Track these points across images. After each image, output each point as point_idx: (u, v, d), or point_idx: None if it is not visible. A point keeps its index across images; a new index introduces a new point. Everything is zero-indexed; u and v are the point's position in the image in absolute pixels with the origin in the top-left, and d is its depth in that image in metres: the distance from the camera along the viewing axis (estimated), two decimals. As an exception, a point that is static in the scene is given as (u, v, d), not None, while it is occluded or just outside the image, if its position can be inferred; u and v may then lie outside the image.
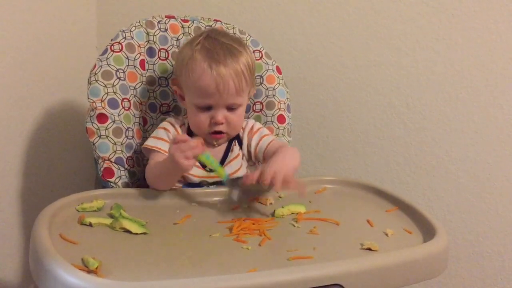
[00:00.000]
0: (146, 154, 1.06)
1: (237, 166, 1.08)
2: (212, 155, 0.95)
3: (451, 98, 1.35)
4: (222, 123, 1.03)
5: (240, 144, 1.10)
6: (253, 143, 1.09)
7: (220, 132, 1.04)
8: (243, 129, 1.11)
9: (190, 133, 1.07)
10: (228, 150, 1.09)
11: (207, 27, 1.20)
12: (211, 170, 1.01)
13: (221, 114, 1.02)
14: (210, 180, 1.05)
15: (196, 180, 1.04)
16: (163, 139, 1.04)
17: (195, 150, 0.90)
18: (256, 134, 1.10)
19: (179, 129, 1.08)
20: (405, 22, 1.34)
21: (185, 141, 0.90)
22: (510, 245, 1.39)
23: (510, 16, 1.27)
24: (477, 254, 1.42)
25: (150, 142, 1.04)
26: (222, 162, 1.07)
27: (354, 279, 0.68)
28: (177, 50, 1.17)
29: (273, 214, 0.93)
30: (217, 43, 1.01)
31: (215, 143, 1.07)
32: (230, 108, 1.03)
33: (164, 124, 1.08)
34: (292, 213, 0.93)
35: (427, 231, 0.84)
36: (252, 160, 1.11)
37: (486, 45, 1.30)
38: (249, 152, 1.10)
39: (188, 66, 1.01)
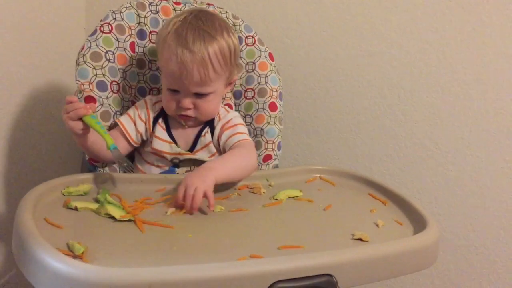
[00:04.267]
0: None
1: (209, 153, 1.07)
2: (103, 127, 0.92)
3: (443, 91, 1.35)
4: (189, 109, 1.02)
5: (212, 132, 1.08)
6: (224, 137, 1.06)
7: (187, 115, 1.03)
8: (220, 118, 1.09)
9: (163, 110, 1.07)
10: (199, 135, 1.07)
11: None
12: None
13: (187, 101, 1.00)
14: (182, 157, 1.05)
15: (168, 156, 1.04)
16: (128, 114, 1.06)
17: (78, 111, 0.88)
18: (230, 129, 1.07)
19: (151, 107, 1.08)
20: (399, 13, 1.33)
21: (71, 102, 0.89)
22: (496, 238, 1.40)
23: (504, 9, 1.26)
24: (464, 247, 1.43)
25: (121, 118, 1.06)
26: (193, 146, 1.06)
27: (344, 269, 0.67)
28: (168, 33, 1.15)
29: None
30: (190, 28, 0.98)
31: (184, 124, 1.06)
32: (198, 94, 1.01)
33: (138, 102, 1.09)
34: (289, 197, 0.93)
35: (418, 223, 0.84)
36: (221, 152, 1.09)
37: (479, 39, 1.30)
38: (218, 143, 1.08)
39: (160, 48, 1.01)
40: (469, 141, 1.36)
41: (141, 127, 1.06)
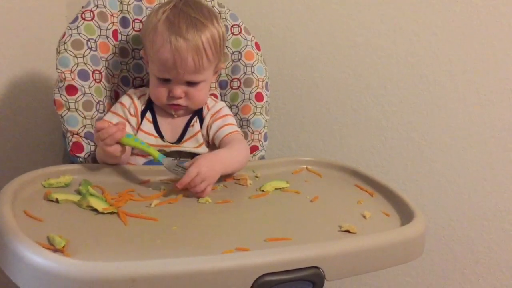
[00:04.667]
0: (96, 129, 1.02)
1: (196, 143, 1.06)
2: (143, 142, 0.94)
3: (429, 82, 1.34)
4: (180, 98, 1.01)
5: (201, 122, 1.07)
6: (214, 128, 1.06)
7: (178, 105, 1.02)
8: (208, 108, 1.08)
9: (150, 102, 1.05)
10: (188, 125, 1.06)
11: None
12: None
13: (179, 89, 1.00)
14: (168, 150, 1.03)
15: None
16: (118, 114, 1.03)
17: (115, 135, 0.88)
18: (220, 120, 1.07)
19: (137, 101, 1.06)
20: (385, 3, 1.32)
21: (103, 128, 0.89)
22: (480, 229, 1.41)
23: (491, 1, 1.26)
24: (448, 237, 1.44)
25: (107, 117, 1.02)
26: (182, 136, 1.06)
27: (332, 261, 0.67)
28: (152, 21, 1.12)
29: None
30: (182, 15, 0.97)
31: (174, 114, 1.05)
32: (190, 83, 1.00)
33: (122, 98, 1.06)
34: (276, 189, 0.92)
35: (405, 214, 0.83)
36: (209, 142, 1.08)
37: (466, 30, 1.29)
38: (207, 133, 1.07)
39: (150, 36, 0.98)
40: (455, 133, 1.36)
41: (133, 122, 1.04)
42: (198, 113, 1.07)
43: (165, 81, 0.99)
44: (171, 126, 1.06)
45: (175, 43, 0.94)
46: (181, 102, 1.02)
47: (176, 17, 0.96)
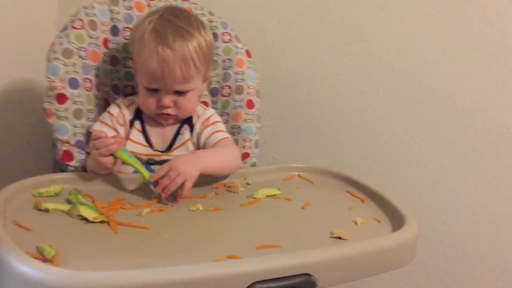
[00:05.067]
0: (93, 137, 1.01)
1: (186, 151, 1.06)
2: (137, 160, 0.94)
3: (421, 86, 1.35)
4: (169, 107, 1.01)
5: (192, 130, 1.07)
6: (204, 135, 1.06)
7: (168, 114, 1.02)
8: (198, 116, 1.08)
9: (139, 112, 1.05)
10: (177, 133, 1.06)
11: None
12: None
13: (168, 99, 1.00)
14: (158, 158, 1.03)
15: (143, 158, 1.02)
16: (106, 123, 1.02)
17: (111, 147, 0.89)
18: (210, 127, 1.07)
19: (125, 110, 1.05)
20: (377, 10, 1.33)
21: (101, 138, 0.89)
22: (472, 232, 1.41)
23: (482, 5, 1.27)
24: (440, 241, 1.44)
25: (95, 126, 1.01)
26: (171, 144, 1.06)
27: (323, 268, 0.67)
28: (142, 29, 1.12)
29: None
30: (168, 25, 0.97)
31: (163, 123, 1.05)
32: (179, 92, 1.00)
33: (110, 107, 1.06)
34: (267, 196, 0.92)
35: (396, 220, 0.84)
36: (200, 149, 1.08)
37: (457, 34, 1.30)
38: (198, 141, 1.07)
39: (137, 46, 0.99)
40: (447, 137, 1.37)
41: (122, 132, 1.04)
42: (188, 121, 1.07)
43: (154, 91, 0.99)
44: (160, 134, 1.06)
45: (162, 54, 0.94)
46: (170, 111, 1.01)
47: (163, 28, 0.96)
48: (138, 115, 1.05)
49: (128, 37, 1.10)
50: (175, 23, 0.98)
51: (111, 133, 1.00)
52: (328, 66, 1.39)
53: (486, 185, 1.37)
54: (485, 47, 1.30)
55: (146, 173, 0.91)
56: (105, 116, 1.04)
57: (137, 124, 1.05)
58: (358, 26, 1.35)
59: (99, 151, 0.89)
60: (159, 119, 1.04)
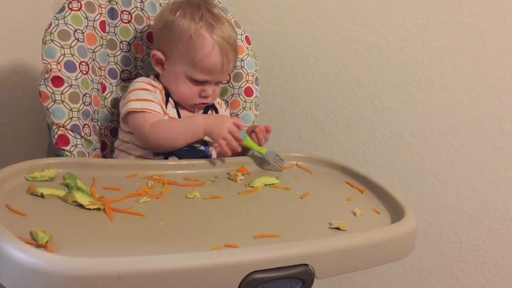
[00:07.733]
0: (132, 118, 0.99)
1: None
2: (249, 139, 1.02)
3: (420, 79, 1.34)
4: (210, 96, 1.05)
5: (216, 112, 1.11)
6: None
7: (205, 102, 1.06)
8: (220, 104, 1.13)
9: (167, 99, 1.04)
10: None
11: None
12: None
13: (211, 88, 1.03)
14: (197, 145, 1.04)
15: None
16: (149, 100, 0.99)
17: (240, 141, 0.97)
18: (227, 110, 1.15)
19: (158, 94, 1.03)
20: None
21: (240, 129, 0.97)
22: (468, 226, 1.41)
23: (483, -2, 1.26)
24: (436, 235, 1.44)
25: (138, 105, 0.98)
26: None
27: (322, 259, 0.66)
28: (141, 13, 1.10)
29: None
30: (217, 19, 1.01)
31: (197, 111, 1.08)
32: (218, 82, 1.05)
33: (142, 85, 1.02)
34: (265, 185, 0.91)
35: (395, 211, 0.83)
36: None
37: (457, 27, 1.29)
38: None
39: (192, 41, 0.98)
40: (444, 130, 1.36)
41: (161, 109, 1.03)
42: (212, 106, 1.10)
43: (200, 82, 1.01)
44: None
45: (225, 50, 0.99)
46: (209, 100, 1.05)
47: (214, 21, 0.99)
48: (166, 101, 1.05)
49: (126, 21, 1.09)
50: (220, 15, 1.02)
51: (159, 108, 1.00)
52: (327, 56, 1.38)
53: (483, 179, 1.37)
54: (486, 41, 1.29)
55: (263, 149, 1.01)
56: (144, 94, 1.00)
57: (171, 100, 1.05)
58: (358, 16, 1.33)
59: (231, 141, 0.95)
60: (194, 107, 1.06)
